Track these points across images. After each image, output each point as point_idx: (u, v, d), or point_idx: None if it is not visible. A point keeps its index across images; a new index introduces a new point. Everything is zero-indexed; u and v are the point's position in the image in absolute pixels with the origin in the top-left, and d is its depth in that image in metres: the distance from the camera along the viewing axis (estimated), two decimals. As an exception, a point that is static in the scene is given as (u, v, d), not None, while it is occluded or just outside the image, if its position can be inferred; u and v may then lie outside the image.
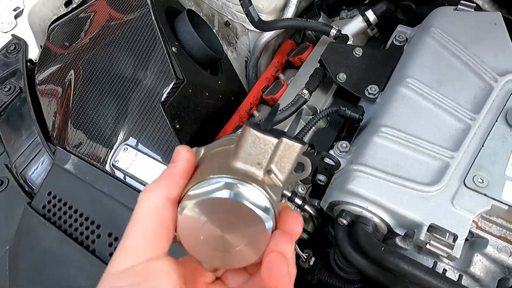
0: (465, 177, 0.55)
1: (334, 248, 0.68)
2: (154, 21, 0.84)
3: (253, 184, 0.30)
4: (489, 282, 0.54)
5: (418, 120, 0.62)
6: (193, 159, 0.33)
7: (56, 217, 0.70)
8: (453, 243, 0.50)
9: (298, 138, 0.32)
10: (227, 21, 1.08)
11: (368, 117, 0.69)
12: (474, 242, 0.56)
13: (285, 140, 0.31)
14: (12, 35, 0.98)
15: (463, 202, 0.53)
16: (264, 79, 0.97)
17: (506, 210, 0.53)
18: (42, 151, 0.78)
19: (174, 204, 0.31)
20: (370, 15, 0.87)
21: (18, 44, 0.95)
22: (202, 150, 0.36)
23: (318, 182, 0.68)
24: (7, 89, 0.88)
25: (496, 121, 0.60)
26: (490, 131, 0.59)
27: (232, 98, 0.99)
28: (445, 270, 0.54)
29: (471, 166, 0.56)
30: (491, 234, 0.55)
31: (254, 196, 0.30)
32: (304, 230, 0.70)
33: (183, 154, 0.33)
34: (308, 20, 0.87)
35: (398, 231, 0.56)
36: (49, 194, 0.72)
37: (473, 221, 0.53)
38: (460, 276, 0.54)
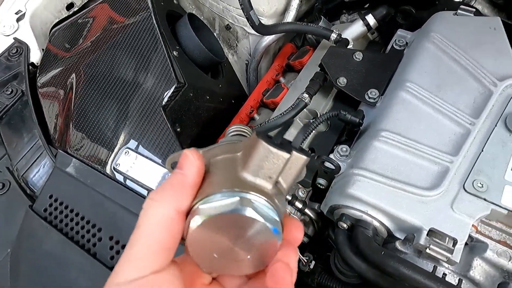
0: (465, 181, 0.56)
1: (334, 252, 0.68)
2: (156, 24, 0.84)
3: (265, 198, 0.31)
4: (488, 287, 0.54)
5: (418, 125, 0.62)
6: (203, 167, 0.32)
7: (57, 220, 0.70)
8: (452, 248, 0.50)
9: (303, 150, 0.33)
10: (228, 24, 1.08)
11: (368, 121, 0.69)
12: (474, 247, 0.56)
13: (295, 154, 0.31)
14: (14, 38, 0.98)
15: (463, 207, 0.54)
16: (265, 82, 0.97)
17: (505, 215, 0.53)
18: (43, 154, 0.79)
19: (183, 216, 0.31)
20: (370, 19, 0.87)
21: (20, 47, 0.96)
22: (200, 152, 0.36)
23: (319, 186, 0.68)
24: (9, 92, 0.88)
25: (496, 126, 0.60)
26: (490, 135, 0.59)
27: (233, 101, 0.99)
28: (444, 274, 0.55)
29: (470, 171, 0.57)
30: (491, 238, 0.55)
31: (267, 211, 0.31)
32: (305, 234, 0.70)
33: (194, 162, 0.32)
34: (309, 24, 0.87)
35: (398, 235, 0.56)
36: (51, 197, 0.72)
37: (472, 225, 0.53)
38: (460, 280, 0.54)
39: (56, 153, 0.78)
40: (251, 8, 0.83)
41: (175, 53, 0.83)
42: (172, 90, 0.77)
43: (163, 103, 0.76)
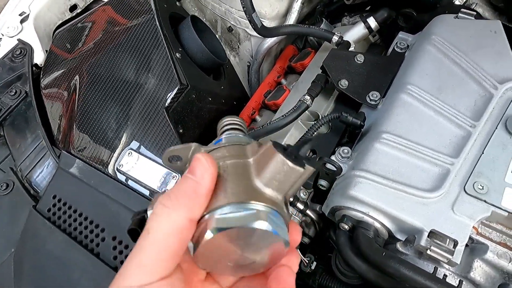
0: (465, 183, 0.56)
1: (335, 253, 0.69)
2: (159, 26, 0.85)
3: (278, 211, 0.32)
4: (489, 288, 0.54)
5: (419, 127, 0.62)
6: (216, 174, 0.32)
7: (61, 220, 0.71)
8: (453, 249, 0.51)
9: (309, 159, 0.33)
10: (230, 26, 1.09)
11: (370, 123, 0.70)
12: (474, 248, 0.56)
13: (307, 167, 0.32)
14: (18, 39, 0.99)
15: (463, 209, 0.54)
16: (266, 84, 0.98)
17: (505, 217, 0.54)
18: (47, 155, 0.79)
19: (194, 224, 0.31)
20: (372, 22, 0.88)
21: (23, 49, 0.97)
22: (202, 150, 0.36)
23: (320, 187, 0.68)
24: (12, 93, 0.89)
25: (496, 128, 0.61)
26: (490, 138, 0.60)
27: (235, 102, 1.00)
28: (445, 275, 0.55)
29: (471, 173, 0.57)
30: (491, 240, 0.56)
31: (280, 224, 0.31)
32: (306, 235, 0.71)
33: (208, 169, 0.31)
34: (311, 26, 0.88)
35: (399, 236, 0.57)
36: (54, 197, 0.73)
37: (473, 227, 0.54)
38: (460, 282, 0.54)
39: (59, 154, 0.78)
40: (254, 10, 0.83)
41: (178, 55, 0.83)
42: (175, 91, 0.78)
43: (166, 104, 0.77)
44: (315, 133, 0.71)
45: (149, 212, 0.35)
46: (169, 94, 0.78)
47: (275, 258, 0.33)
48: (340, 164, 0.63)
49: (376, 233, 0.57)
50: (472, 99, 0.64)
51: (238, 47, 1.13)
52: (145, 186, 0.72)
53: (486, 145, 0.59)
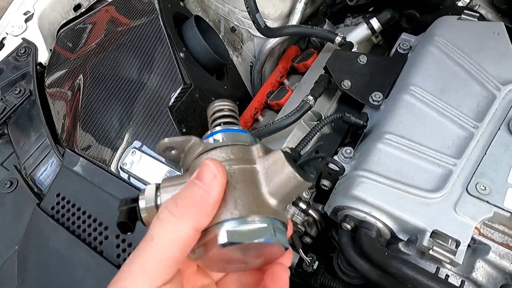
0: (468, 184, 0.56)
1: (337, 253, 0.69)
2: (163, 26, 0.85)
3: (282, 221, 0.33)
4: (490, 288, 0.54)
5: (422, 128, 0.63)
6: (225, 182, 0.31)
7: (64, 218, 0.71)
8: (455, 249, 0.51)
9: (310, 170, 0.34)
10: (233, 26, 1.09)
11: (372, 123, 0.70)
12: (477, 249, 0.56)
13: (311, 180, 0.33)
14: (23, 38, 1.00)
15: (466, 209, 0.54)
16: (269, 84, 0.98)
17: (508, 217, 0.54)
18: (51, 153, 0.80)
19: (199, 233, 0.30)
20: (375, 23, 0.88)
21: (28, 48, 0.97)
22: (202, 146, 0.35)
23: (322, 187, 0.69)
24: (17, 92, 0.89)
25: (499, 129, 0.61)
26: (493, 139, 0.60)
27: (237, 102, 1.00)
28: (447, 275, 0.55)
29: (473, 174, 0.57)
30: (493, 240, 0.56)
31: (284, 233, 0.32)
32: (308, 235, 0.71)
33: (219, 180, 0.30)
34: (313, 27, 0.88)
35: (401, 236, 0.57)
36: (58, 195, 0.73)
37: (475, 227, 0.54)
38: (462, 282, 0.54)
39: (63, 152, 0.79)
40: (257, 11, 0.84)
41: (181, 54, 0.84)
42: (178, 91, 0.78)
43: (170, 103, 0.77)
44: (317, 133, 0.71)
45: (141, 202, 0.34)
46: (172, 94, 0.78)
47: (272, 259, 0.35)
48: (343, 164, 0.63)
49: (378, 233, 0.57)
50: (475, 100, 0.64)
51: (241, 47, 1.13)
52: (148, 185, 0.72)
53: (489, 146, 0.59)
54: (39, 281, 0.67)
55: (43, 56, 0.98)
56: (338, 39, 0.84)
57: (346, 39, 0.85)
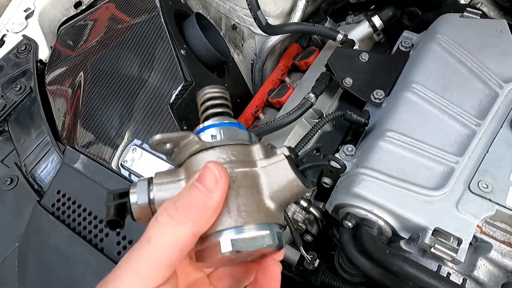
0: (470, 182, 0.56)
1: (338, 251, 0.69)
2: (164, 24, 0.85)
3: (281, 224, 0.33)
4: (492, 287, 0.54)
5: (424, 125, 0.62)
6: (227, 187, 0.30)
7: (65, 215, 0.71)
8: (457, 247, 0.51)
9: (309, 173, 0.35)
10: (234, 24, 1.09)
11: (374, 121, 0.70)
12: (478, 247, 0.56)
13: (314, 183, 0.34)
14: (23, 35, 0.99)
15: (468, 207, 0.54)
16: (270, 82, 0.98)
17: (510, 215, 0.54)
18: (51, 150, 0.80)
19: (198, 237, 0.30)
20: (376, 20, 0.88)
21: (28, 45, 0.97)
22: (199, 144, 0.33)
23: (324, 185, 0.68)
24: (17, 89, 0.89)
25: (501, 127, 0.61)
26: (495, 137, 0.60)
27: (238, 100, 1.00)
28: (449, 273, 0.55)
29: (476, 171, 0.57)
30: (495, 239, 0.56)
31: (282, 236, 0.33)
32: (309, 232, 0.71)
33: (221, 185, 0.29)
34: (315, 24, 0.88)
35: (402, 234, 0.57)
36: (58, 192, 0.73)
37: (477, 225, 0.54)
38: (464, 280, 0.54)
39: (64, 149, 0.79)
40: (259, 8, 0.83)
41: (182, 52, 0.83)
42: (179, 88, 0.78)
43: (171, 101, 0.77)
44: (318, 131, 0.71)
45: (132, 197, 0.32)
46: (173, 91, 0.78)
47: (265, 255, 0.35)
48: (344, 162, 0.63)
49: (379, 231, 0.57)
50: (477, 98, 0.64)
51: (242, 45, 1.13)
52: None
53: (491, 144, 0.59)
54: (40, 278, 0.67)
55: (44, 53, 0.98)
56: (339, 36, 0.84)
57: (348, 37, 0.84)
